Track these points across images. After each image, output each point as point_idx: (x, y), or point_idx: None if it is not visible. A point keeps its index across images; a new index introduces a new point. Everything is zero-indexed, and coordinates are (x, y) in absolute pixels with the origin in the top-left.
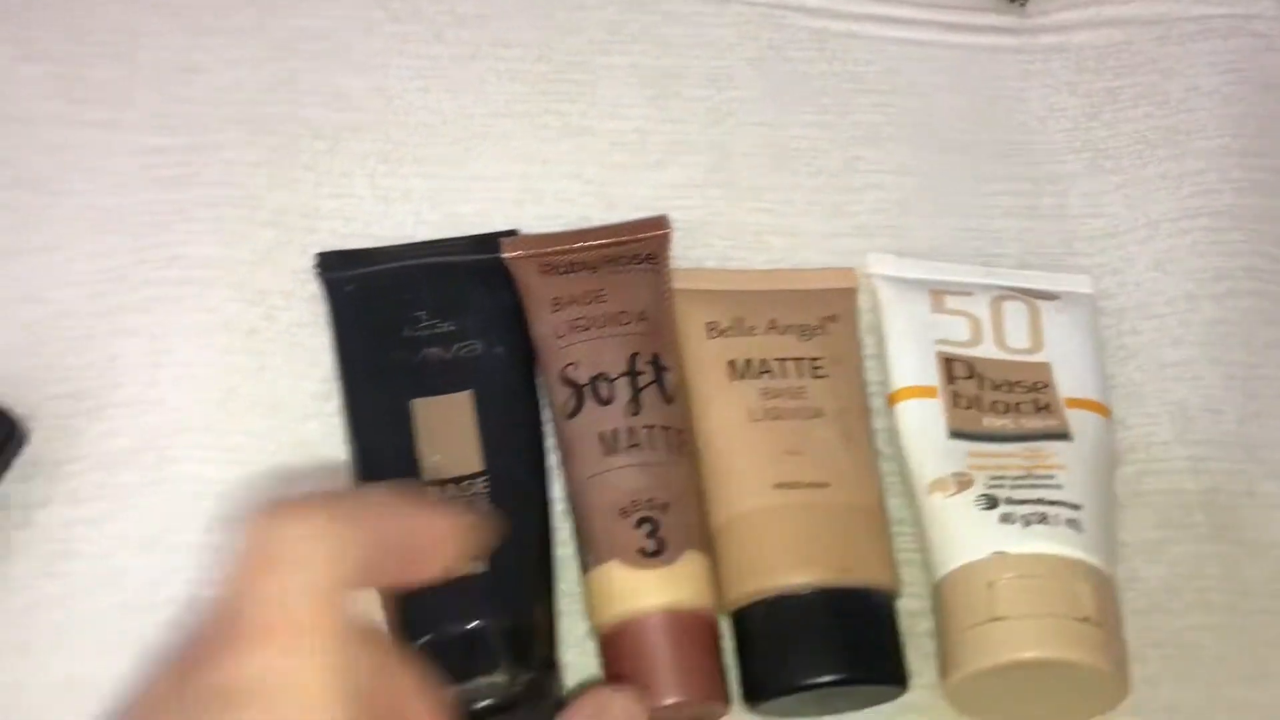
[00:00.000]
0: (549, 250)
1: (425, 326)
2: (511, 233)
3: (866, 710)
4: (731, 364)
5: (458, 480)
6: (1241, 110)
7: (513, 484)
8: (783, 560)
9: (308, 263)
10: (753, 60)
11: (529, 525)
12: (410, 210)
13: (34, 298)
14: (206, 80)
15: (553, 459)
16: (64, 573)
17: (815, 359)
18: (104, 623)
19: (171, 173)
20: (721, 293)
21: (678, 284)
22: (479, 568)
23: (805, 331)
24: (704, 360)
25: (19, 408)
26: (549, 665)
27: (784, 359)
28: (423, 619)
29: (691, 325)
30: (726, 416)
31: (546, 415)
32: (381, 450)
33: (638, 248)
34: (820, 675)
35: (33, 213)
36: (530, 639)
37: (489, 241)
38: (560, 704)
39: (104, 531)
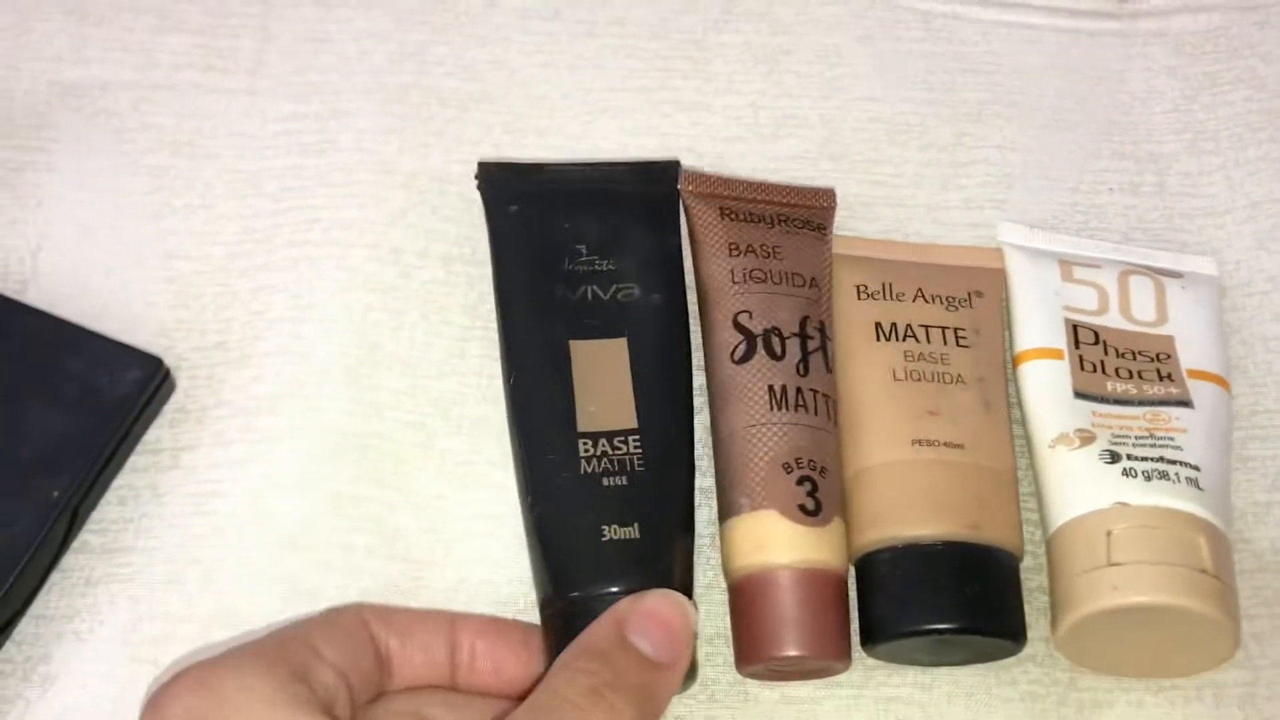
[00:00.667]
0: (730, 194)
1: (585, 261)
2: (674, 164)
3: (979, 666)
4: (878, 325)
5: (610, 435)
6: None
7: (664, 443)
8: (913, 512)
9: (439, 224)
10: (861, 38)
11: (677, 487)
12: None
13: (179, 254)
14: (337, 50)
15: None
16: (212, 510)
17: (959, 329)
18: (251, 560)
19: (308, 139)
20: (873, 260)
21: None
22: (634, 533)
23: (951, 303)
24: (852, 320)
25: (166, 358)
26: None
27: (929, 325)
28: (573, 578)
29: (842, 287)
30: (869, 375)
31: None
32: (541, 392)
33: (809, 215)
34: (939, 622)
35: (177, 175)
36: None
37: (649, 171)
38: (694, 666)
39: (250, 473)
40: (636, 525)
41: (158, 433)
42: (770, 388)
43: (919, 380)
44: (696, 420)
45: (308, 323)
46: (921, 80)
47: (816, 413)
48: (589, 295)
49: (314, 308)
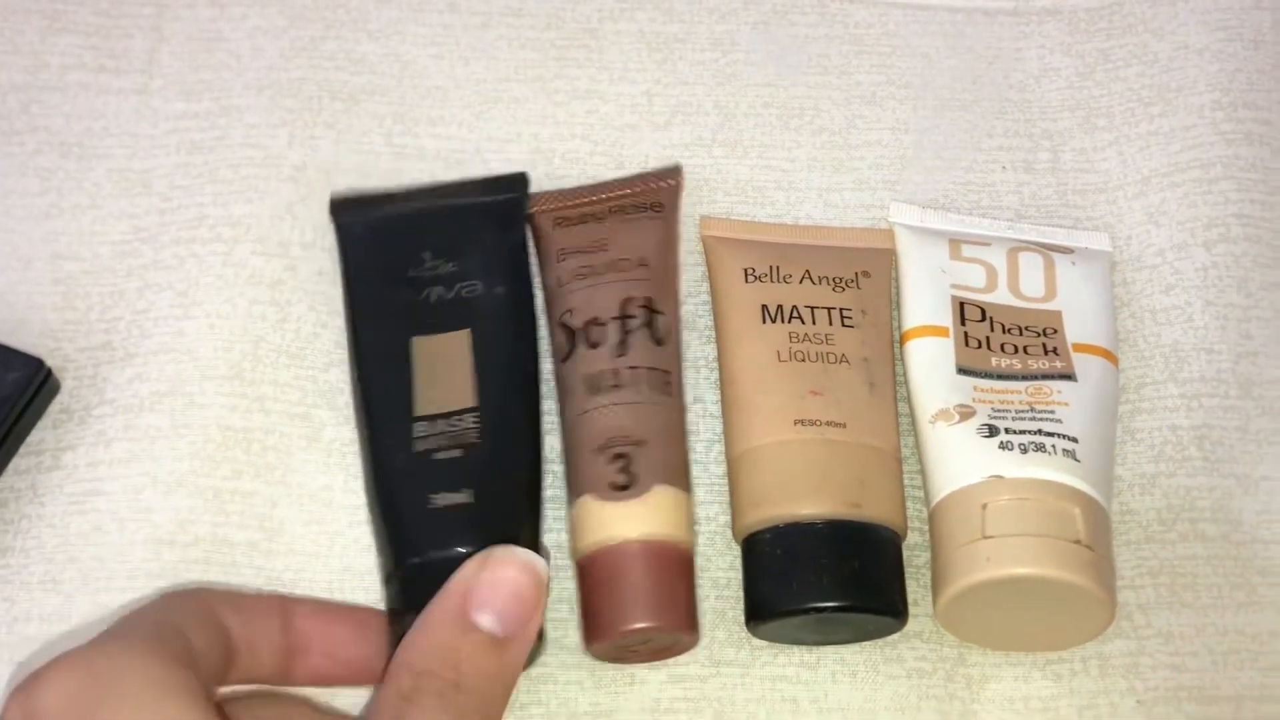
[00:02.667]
0: (566, 204)
1: (429, 267)
2: (521, 176)
3: (867, 643)
4: (764, 307)
5: (448, 415)
6: (1232, 66)
7: (502, 420)
8: (795, 491)
9: (327, 217)
10: (756, 25)
11: (515, 460)
12: (424, 169)
13: (66, 255)
14: (229, 48)
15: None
16: (91, 509)
17: (845, 309)
18: (129, 558)
19: (198, 136)
20: (762, 243)
21: (719, 232)
22: (466, 498)
23: (838, 284)
24: (738, 303)
25: (51, 359)
26: None
27: (814, 306)
28: (408, 544)
29: (730, 270)
30: (754, 355)
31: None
32: (381, 385)
33: (645, 197)
34: (818, 600)
35: (66, 176)
36: None
37: (495, 184)
38: (543, 632)
39: (130, 471)
40: (469, 491)
41: (41, 434)
42: (586, 377)
43: (803, 361)
44: None
45: (192, 320)
46: (816, 64)
47: (637, 387)
48: (432, 296)
49: (199, 305)
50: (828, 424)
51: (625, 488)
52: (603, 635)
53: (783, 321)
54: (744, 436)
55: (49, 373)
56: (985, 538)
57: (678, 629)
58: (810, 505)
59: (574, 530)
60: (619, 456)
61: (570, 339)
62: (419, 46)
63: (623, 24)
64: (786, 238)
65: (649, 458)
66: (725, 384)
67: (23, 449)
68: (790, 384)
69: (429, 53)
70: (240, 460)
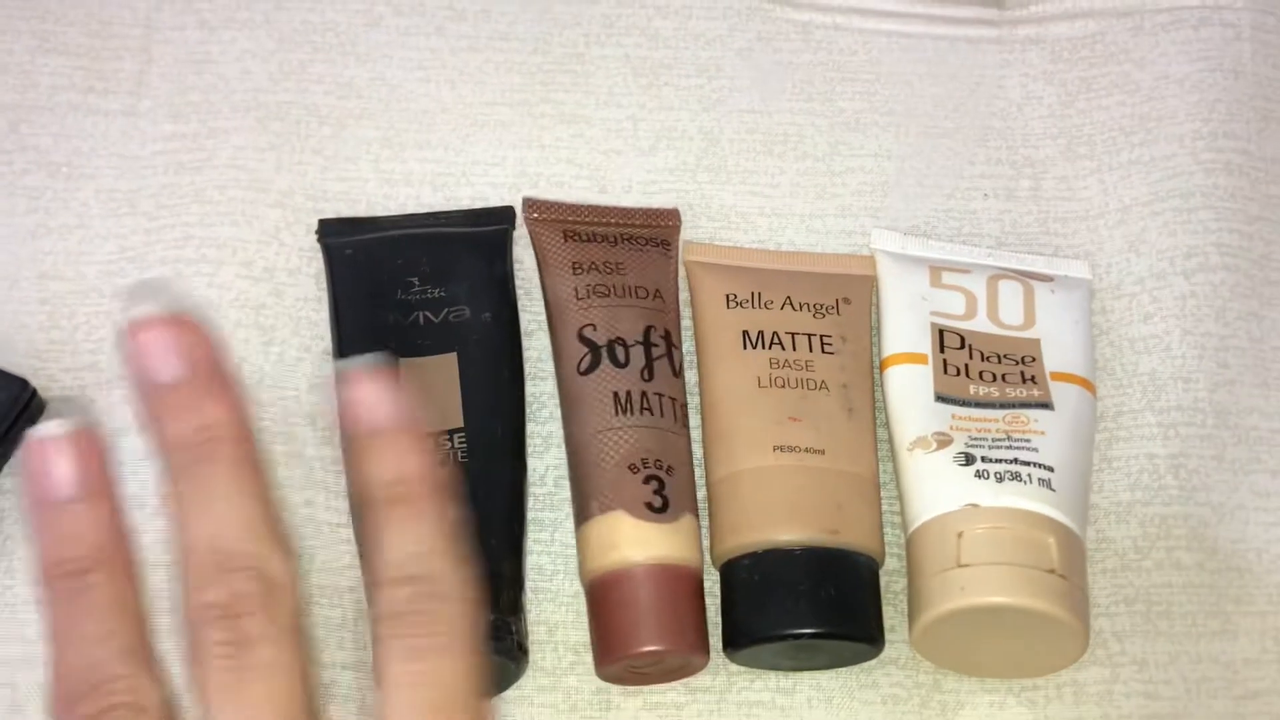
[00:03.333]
0: (572, 218)
1: (418, 292)
2: (509, 210)
3: (842, 669)
4: (745, 333)
5: (436, 435)
6: (1212, 96)
7: (489, 441)
8: (773, 517)
9: (314, 241)
10: (741, 51)
11: (502, 480)
12: (411, 193)
13: (53, 275)
14: (218, 71)
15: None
16: None
17: (825, 335)
18: None
19: (185, 158)
20: (744, 269)
21: (702, 258)
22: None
23: (819, 310)
24: (719, 328)
25: (36, 379)
26: (514, 610)
27: (795, 333)
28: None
29: (711, 296)
30: (734, 382)
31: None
32: None
33: (652, 232)
34: (798, 627)
35: (54, 196)
36: (496, 585)
37: (484, 216)
38: (525, 649)
39: (116, 493)
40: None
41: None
42: (615, 394)
43: (783, 387)
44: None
45: None
46: (800, 91)
47: (663, 415)
48: (420, 320)
49: None
50: (806, 450)
51: (661, 510)
52: (624, 651)
53: (764, 347)
54: (723, 462)
55: (34, 392)
56: (960, 566)
57: (695, 652)
58: (788, 531)
59: (597, 544)
60: (653, 478)
61: (594, 353)
62: (406, 70)
63: (609, 49)
64: (768, 263)
65: (677, 484)
66: (705, 409)
67: (7, 469)
68: (770, 410)
69: (416, 76)
70: None
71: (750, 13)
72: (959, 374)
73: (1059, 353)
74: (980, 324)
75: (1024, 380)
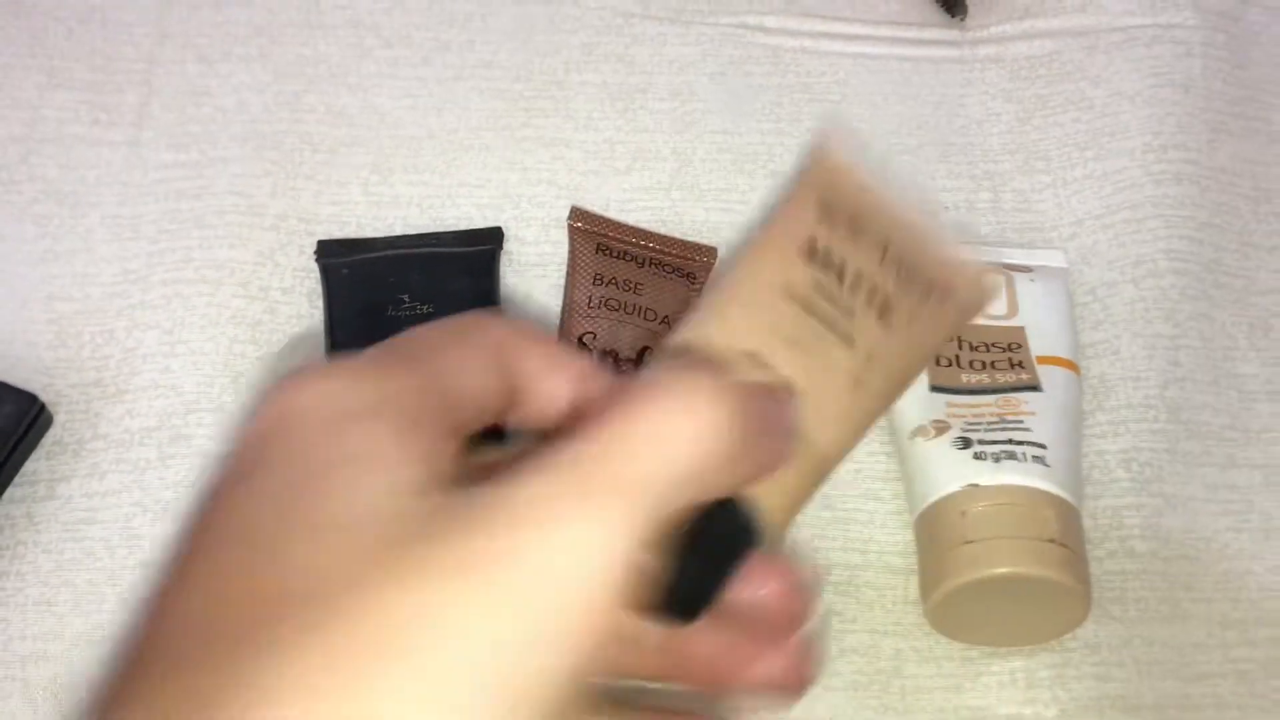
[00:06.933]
0: (610, 233)
1: (407, 308)
2: (496, 230)
3: None
4: None
5: None
6: (1163, 110)
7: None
8: None
9: (306, 262)
10: (714, 75)
11: None
12: (399, 215)
13: (60, 296)
14: (216, 103)
15: None
16: (85, 536)
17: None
18: (120, 580)
19: (185, 185)
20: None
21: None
22: None
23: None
24: None
25: (45, 394)
26: None
27: None
28: None
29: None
30: None
31: None
32: None
33: (682, 263)
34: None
35: (61, 222)
36: None
37: (473, 236)
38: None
39: (121, 500)
40: None
41: (35, 465)
42: None
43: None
44: None
45: (177, 357)
46: (770, 112)
47: None
48: None
49: (184, 343)
50: None
51: None
52: None
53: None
54: None
55: (42, 407)
56: (967, 542)
57: None
58: None
59: None
60: None
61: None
62: (395, 99)
63: (588, 75)
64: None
65: None
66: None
67: (18, 479)
68: None
69: (404, 104)
70: None
71: (723, 38)
72: (950, 365)
73: (1042, 338)
74: None
75: (1012, 366)
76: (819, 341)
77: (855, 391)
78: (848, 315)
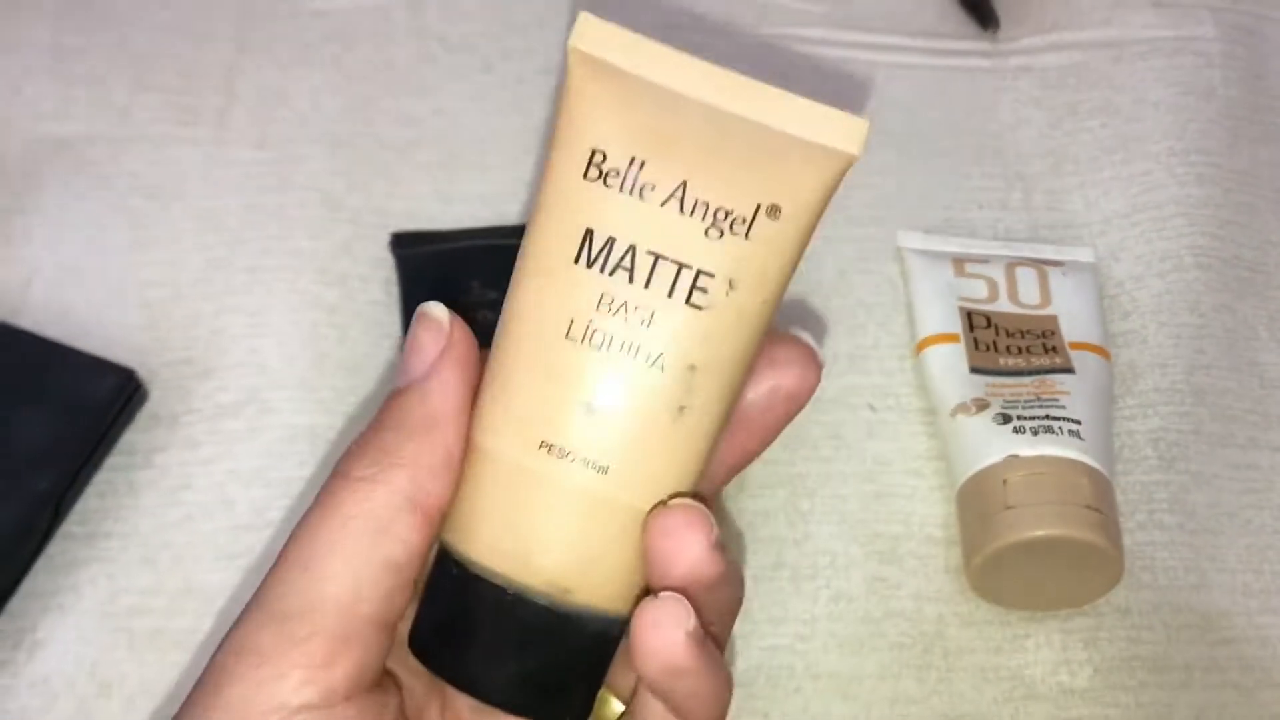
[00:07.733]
0: None
1: (478, 294)
2: None
3: (851, 622)
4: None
5: None
6: (1185, 117)
7: None
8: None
9: (380, 252)
10: (749, 77)
11: None
12: (466, 210)
13: (152, 283)
14: (294, 105)
15: None
16: (183, 501)
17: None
18: (215, 541)
19: (265, 181)
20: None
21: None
22: None
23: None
24: (560, 216)
25: (140, 372)
26: None
27: (660, 255)
28: None
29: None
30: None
31: None
32: None
33: None
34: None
35: (151, 215)
36: None
37: None
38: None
39: (215, 469)
40: None
41: (132, 436)
42: None
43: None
44: None
45: (263, 338)
46: None
47: None
48: (480, 319)
49: (268, 325)
50: (584, 461)
51: None
52: None
53: (602, 270)
54: (489, 431)
55: (139, 382)
56: (1008, 508)
57: None
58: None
59: None
60: None
61: None
62: (460, 102)
63: None
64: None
65: None
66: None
67: (116, 449)
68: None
69: (468, 108)
70: (305, 453)
71: (765, 49)
72: (989, 349)
73: (1074, 326)
74: (1003, 305)
75: (1046, 350)
76: (618, 385)
77: (677, 423)
78: (646, 322)
